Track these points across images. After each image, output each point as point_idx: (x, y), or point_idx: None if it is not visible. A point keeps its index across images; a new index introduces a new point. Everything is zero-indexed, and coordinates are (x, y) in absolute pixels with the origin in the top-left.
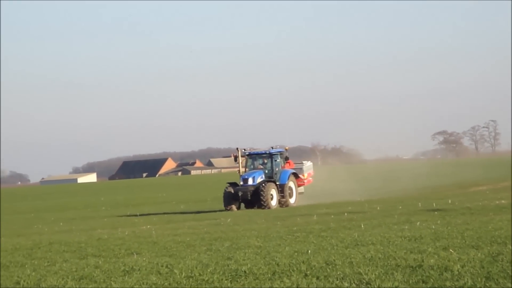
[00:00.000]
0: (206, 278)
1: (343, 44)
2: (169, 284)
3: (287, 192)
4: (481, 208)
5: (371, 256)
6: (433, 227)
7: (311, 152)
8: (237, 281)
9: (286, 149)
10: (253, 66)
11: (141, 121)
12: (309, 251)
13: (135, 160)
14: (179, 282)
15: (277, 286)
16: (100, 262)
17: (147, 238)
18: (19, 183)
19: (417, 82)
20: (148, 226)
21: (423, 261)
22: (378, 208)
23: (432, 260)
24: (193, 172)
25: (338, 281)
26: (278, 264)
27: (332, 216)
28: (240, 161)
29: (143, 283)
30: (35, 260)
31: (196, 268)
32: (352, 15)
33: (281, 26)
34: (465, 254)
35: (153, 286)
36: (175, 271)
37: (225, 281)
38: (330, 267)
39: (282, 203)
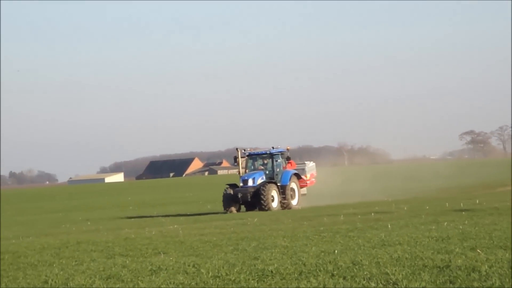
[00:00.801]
0: (233, 278)
1: (363, 41)
2: (196, 283)
3: (289, 193)
4: (509, 208)
5: (398, 256)
6: (461, 227)
7: (337, 152)
8: (263, 281)
9: (287, 149)
10: (273, 65)
11: (168, 121)
12: (336, 251)
13: (162, 160)
14: (206, 282)
15: (303, 286)
16: (127, 262)
17: (174, 238)
18: (47, 182)
19: (445, 82)
20: (175, 226)
21: (450, 261)
22: (405, 208)
23: (459, 261)
24: (219, 172)
25: (365, 281)
26: (304, 264)
27: (359, 216)
28: (240, 162)
29: (170, 283)
30: (63, 259)
31: (223, 267)
32: (371, 12)
33: (300, 24)
34: (493, 255)
35: (180, 286)
36: (202, 270)
37: (252, 281)
38: (357, 267)
39: (284, 205)
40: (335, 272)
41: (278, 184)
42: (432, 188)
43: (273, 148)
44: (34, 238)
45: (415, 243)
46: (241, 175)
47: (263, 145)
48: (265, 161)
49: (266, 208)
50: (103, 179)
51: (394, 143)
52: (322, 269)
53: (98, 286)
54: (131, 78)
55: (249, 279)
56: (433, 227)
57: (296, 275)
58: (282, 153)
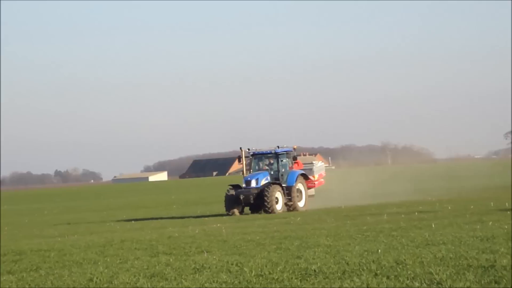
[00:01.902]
0: (276, 277)
1: (406, 39)
2: (239, 282)
3: (295, 195)
4: None
5: (442, 256)
6: (506, 227)
7: (381, 151)
8: (307, 280)
9: (294, 148)
10: (313, 65)
11: (211, 120)
12: (379, 251)
13: (205, 159)
14: (249, 281)
15: (347, 285)
16: (171, 260)
17: (217, 237)
18: (92, 181)
19: (490, 80)
20: (218, 225)
21: (495, 261)
22: (449, 207)
23: (504, 261)
24: None
25: (408, 281)
26: (348, 263)
27: (403, 216)
28: (244, 162)
29: (214, 281)
30: (107, 257)
31: (266, 266)
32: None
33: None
34: None
35: (223, 285)
36: (245, 269)
37: (295, 280)
38: (400, 266)
39: (290, 207)
40: (378, 272)
41: (284, 185)
42: (476, 187)
43: (278, 147)
44: (79, 236)
45: (460, 243)
46: (245, 175)
47: (303, 145)
48: (271, 161)
49: (270, 211)
50: (147, 178)
51: (438, 142)
52: (365, 268)
53: (142, 284)
54: (177, 77)
55: (292, 278)
56: (478, 227)
57: (339, 274)
58: (288, 152)
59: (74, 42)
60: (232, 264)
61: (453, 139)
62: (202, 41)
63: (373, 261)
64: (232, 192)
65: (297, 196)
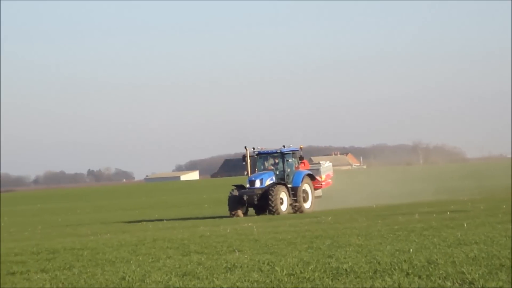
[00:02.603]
0: (307, 276)
1: (440, 36)
2: (271, 281)
3: (301, 195)
4: None
5: (474, 256)
6: None
7: (412, 151)
8: (338, 279)
9: (300, 148)
10: (344, 64)
11: (242, 119)
12: (411, 250)
13: (237, 158)
14: (280, 280)
15: (378, 285)
16: (202, 259)
17: (248, 236)
18: (124, 180)
19: None
20: (250, 224)
21: None
22: (481, 207)
23: None
24: None
25: (440, 281)
26: (379, 263)
27: (434, 215)
28: (249, 161)
29: (245, 280)
30: (139, 256)
31: (297, 265)
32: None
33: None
34: None
35: (255, 284)
36: (277, 268)
37: (326, 279)
38: (432, 266)
39: (296, 208)
40: (410, 271)
41: (289, 185)
42: (509, 187)
43: (284, 146)
44: (111, 235)
45: (492, 242)
46: (249, 175)
47: (335, 144)
48: (276, 161)
49: (275, 212)
50: (179, 177)
51: (470, 141)
52: (397, 267)
53: (174, 283)
54: (206, 75)
55: (323, 277)
56: (510, 226)
57: (370, 273)
58: (294, 152)
59: (100, 42)
60: (263, 263)
61: (485, 138)
62: (224, 40)
63: (405, 261)
64: (236, 192)
65: (303, 197)
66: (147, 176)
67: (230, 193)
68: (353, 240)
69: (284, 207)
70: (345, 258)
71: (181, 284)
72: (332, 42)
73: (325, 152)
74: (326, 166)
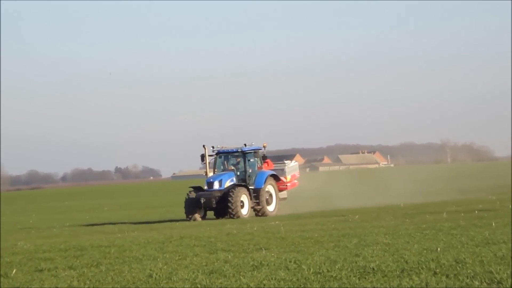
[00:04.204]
0: (334, 275)
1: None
2: (297, 279)
3: (263, 198)
4: None
5: (503, 255)
6: None
7: (440, 149)
8: (365, 278)
9: (263, 146)
10: (376, 62)
11: (270, 117)
12: (439, 249)
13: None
14: (307, 278)
15: (406, 284)
16: (229, 257)
17: (275, 234)
18: (151, 178)
19: None
20: (277, 222)
21: None
22: (510, 206)
23: None
24: (321, 169)
25: (468, 280)
26: (407, 262)
27: (462, 214)
28: (207, 161)
29: (272, 278)
30: (166, 253)
31: (324, 264)
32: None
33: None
34: None
35: (282, 282)
36: (303, 267)
37: (353, 278)
38: (460, 265)
39: (258, 211)
40: (437, 270)
41: (251, 187)
42: None
43: (245, 145)
44: (139, 232)
45: None
46: (208, 176)
47: (364, 142)
48: (238, 160)
49: (235, 216)
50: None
51: (500, 140)
52: (424, 266)
53: (200, 280)
54: (240, 73)
55: (350, 276)
56: None
57: (398, 272)
58: (255, 151)
59: (140, 40)
60: (290, 262)
61: None
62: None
63: (432, 260)
64: (193, 194)
65: (267, 200)
66: (174, 173)
67: (187, 195)
68: (380, 238)
69: (245, 211)
70: (372, 256)
71: (207, 282)
72: (361, 37)
73: (353, 150)
74: (291, 166)
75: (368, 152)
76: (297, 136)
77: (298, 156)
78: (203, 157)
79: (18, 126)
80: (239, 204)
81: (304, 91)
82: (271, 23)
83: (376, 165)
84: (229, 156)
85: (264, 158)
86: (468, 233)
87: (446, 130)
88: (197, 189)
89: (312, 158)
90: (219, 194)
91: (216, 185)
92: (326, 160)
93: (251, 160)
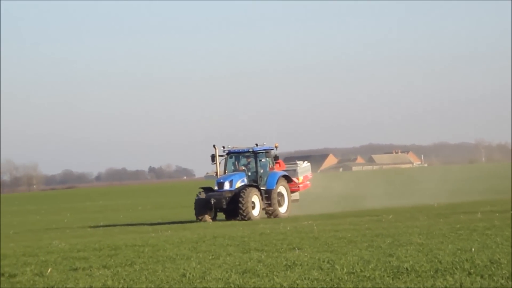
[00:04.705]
0: (368, 275)
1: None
2: (331, 279)
3: (275, 199)
4: None
5: None
6: None
7: (474, 149)
8: (399, 278)
9: (275, 146)
10: (407, 61)
11: (303, 117)
12: (473, 249)
13: (297, 155)
14: (340, 278)
15: (440, 284)
16: (262, 257)
17: (308, 234)
18: (185, 177)
19: None
20: (310, 222)
21: None
22: None
23: None
24: (354, 168)
25: (503, 280)
26: (440, 262)
27: (497, 214)
28: (218, 161)
29: (305, 278)
30: (200, 253)
31: (358, 264)
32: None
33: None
34: None
35: (315, 282)
36: (337, 266)
37: (387, 278)
38: (494, 266)
39: (269, 212)
40: (472, 271)
41: (263, 188)
42: None
43: (256, 145)
44: (172, 232)
45: None
46: (218, 176)
47: (397, 142)
48: (249, 161)
49: (246, 217)
50: None
51: None
52: (458, 267)
53: (234, 280)
54: (275, 71)
55: (384, 276)
56: None
57: (432, 272)
58: (267, 151)
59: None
60: (323, 261)
61: None
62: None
63: (467, 260)
64: (203, 195)
65: (278, 201)
66: (207, 173)
67: (197, 195)
68: (414, 238)
69: (256, 212)
70: (406, 257)
71: (241, 281)
72: (388, 38)
73: (386, 150)
74: (304, 167)
75: (401, 152)
76: (329, 136)
77: (331, 156)
78: (213, 157)
79: (53, 127)
80: (250, 205)
81: (336, 89)
82: (296, 22)
83: (410, 165)
84: (240, 156)
85: (276, 158)
86: (503, 233)
87: (481, 130)
88: (208, 189)
89: (345, 158)
90: (229, 195)
91: (226, 186)
92: (359, 160)
93: (263, 160)
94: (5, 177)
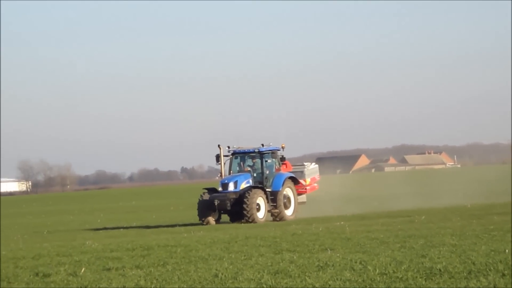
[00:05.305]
0: (400, 276)
1: None
2: (363, 280)
3: (281, 201)
4: None
5: None
6: None
7: (508, 149)
8: (431, 279)
9: (282, 147)
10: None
11: (335, 117)
12: (507, 250)
13: (329, 156)
14: (373, 279)
15: (473, 285)
16: (294, 257)
17: (340, 234)
18: (217, 178)
19: None
20: (342, 223)
21: None
22: None
23: None
24: (386, 169)
25: None
26: (474, 263)
27: None
28: (223, 161)
29: (337, 279)
30: (232, 253)
31: (390, 265)
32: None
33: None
34: None
35: (347, 282)
36: (369, 267)
37: (420, 279)
38: None
39: (275, 215)
40: (506, 272)
41: (268, 189)
42: None
43: (262, 145)
44: (204, 232)
45: None
46: (223, 177)
47: (430, 143)
48: (254, 161)
49: (250, 219)
50: None
51: None
52: (492, 268)
53: (266, 280)
54: (299, 70)
55: (416, 277)
56: None
57: (465, 274)
58: (273, 151)
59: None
60: (355, 262)
61: None
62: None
63: (500, 261)
64: (206, 196)
65: (284, 203)
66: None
67: (201, 196)
68: (447, 239)
69: (261, 214)
70: (438, 258)
71: (273, 282)
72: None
73: (419, 150)
74: (311, 168)
75: (434, 153)
76: (362, 137)
77: (363, 157)
78: (218, 157)
79: (87, 128)
80: (254, 207)
81: (368, 89)
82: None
83: (443, 166)
84: (246, 157)
85: (282, 159)
86: None
87: None
88: (212, 190)
89: (377, 158)
90: (234, 196)
91: (231, 187)
92: (392, 160)
93: (269, 161)
94: (39, 177)
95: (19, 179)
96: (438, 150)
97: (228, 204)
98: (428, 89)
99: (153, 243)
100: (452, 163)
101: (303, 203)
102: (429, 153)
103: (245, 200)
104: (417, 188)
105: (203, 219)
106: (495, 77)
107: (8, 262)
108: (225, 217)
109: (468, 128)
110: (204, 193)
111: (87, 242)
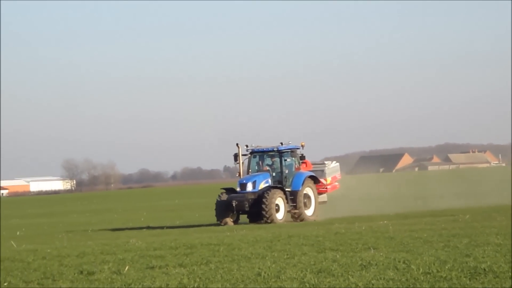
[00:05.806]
0: (444, 275)
1: None
2: (406, 279)
3: (301, 201)
4: None
5: None
6: None
7: None
8: (476, 279)
9: (302, 145)
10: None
11: (377, 116)
12: None
13: (372, 155)
14: (416, 278)
15: None
16: (337, 256)
17: (383, 233)
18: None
19: None
20: (385, 222)
21: None
22: None
23: None
24: (430, 168)
25: None
26: None
27: None
28: (241, 161)
29: (380, 278)
30: (275, 252)
31: (434, 264)
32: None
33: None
34: None
35: (391, 282)
36: (412, 267)
37: (464, 279)
38: None
39: (295, 215)
40: None
41: (288, 189)
42: None
43: (281, 144)
44: (247, 231)
45: None
46: (241, 177)
47: (474, 141)
48: (273, 161)
49: (269, 220)
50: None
51: None
52: None
53: (309, 279)
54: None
55: (460, 276)
56: None
57: (510, 274)
58: (292, 150)
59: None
60: (399, 261)
61: None
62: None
63: None
64: (224, 197)
65: (305, 203)
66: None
67: (218, 197)
68: (491, 239)
69: (280, 215)
70: (483, 257)
71: (316, 281)
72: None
73: (462, 149)
74: (332, 167)
75: (478, 151)
76: (405, 135)
77: (406, 155)
78: (236, 156)
79: (130, 128)
80: (273, 207)
81: (413, 89)
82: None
83: (487, 164)
84: (264, 156)
85: (302, 158)
86: None
87: None
88: (230, 190)
89: (421, 157)
90: (252, 197)
91: (249, 187)
92: (435, 159)
93: (288, 160)
94: (84, 176)
95: (63, 178)
96: (482, 149)
97: (247, 205)
98: (472, 88)
99: (196, 242)
100: (497, 162)
101: (323, 202)
102: (473, 151)
103: (264, 200)
104: (461, 187)
105: (220, 220)
106: None
107: (53, 260)
108: (243, 218)
109: (502, 127)
110: (222, 193)
111: (130, 241)
